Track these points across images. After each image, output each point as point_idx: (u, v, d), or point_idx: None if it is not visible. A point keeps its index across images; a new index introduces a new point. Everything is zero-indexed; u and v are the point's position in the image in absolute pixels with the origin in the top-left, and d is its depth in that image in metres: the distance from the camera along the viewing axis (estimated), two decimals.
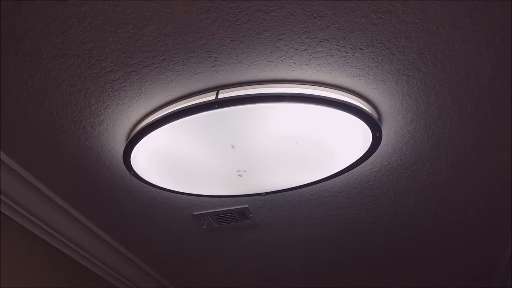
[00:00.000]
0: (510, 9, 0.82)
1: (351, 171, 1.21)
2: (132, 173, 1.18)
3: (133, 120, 1.09)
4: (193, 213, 1.48)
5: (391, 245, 1.68)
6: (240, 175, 1.15)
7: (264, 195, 1.28)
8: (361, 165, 1.20)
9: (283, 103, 0.95)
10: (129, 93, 1.01)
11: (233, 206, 1.44)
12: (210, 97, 0.99)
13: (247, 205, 1.43)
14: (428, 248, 1.69)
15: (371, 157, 1.16)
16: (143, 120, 1.08)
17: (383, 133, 1.12)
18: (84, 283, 1.63)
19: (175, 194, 1.35)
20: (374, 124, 1.01)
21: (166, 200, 1.41)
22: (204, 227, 1.54)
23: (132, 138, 1.05)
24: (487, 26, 0.85)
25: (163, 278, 2.00)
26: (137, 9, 0.82)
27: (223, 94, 0.98)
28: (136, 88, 1.00)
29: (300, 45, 0.89)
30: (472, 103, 1.03)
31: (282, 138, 1.04)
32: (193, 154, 1.10)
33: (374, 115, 1.03)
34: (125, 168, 1.19)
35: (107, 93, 1.01)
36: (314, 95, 0.95)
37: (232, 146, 1.05)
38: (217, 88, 0.99)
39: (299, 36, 0.87)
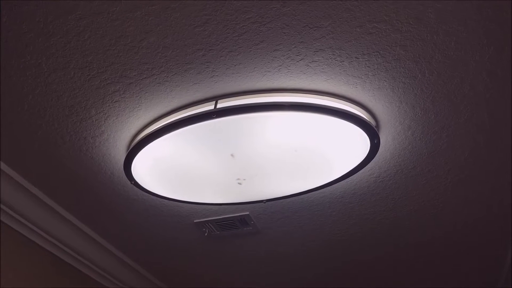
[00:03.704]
0: (504, 18, 0.83)
1: (350, 177, 1.22)
2: (133, 182, 1.19)
3: (133, 130, 1.10)
4: (195, 221, 1.49)
5: (391, 251, 1.69)
6: (240, 183, 1.16)
7: (265, 202, 1.29)
8: (360, 171, 1.21)
9: (282, 112, 0.96)
10: (129, 104, 1.02)
11: (234, 213, 1.45)
12: (209, 107, 1.00)
13: (247, 212, 1.44)
14: (429, 253, 1.69)
15: (369, 164, 1.17)
16: (143, 130, 1.09)
17: (381, 139, 1.13)
18: None
19: (176, 202, 1.36)
20: (372, 131, 1.02)
21: (168, 208, 1.42)
22: (206, 234, 1.54)
23: (133, 148, 1.07)
24: (481, 34, 0.86)
25: (165, 286, 2.00)
26: (136, 22, 0.83)
27: (221, 104, 0.99)
28: (136, 99, 1.01)
29: (297, 55, 0.90)
30: (468, 109, 1.04)
31: (280, 146, 1.05)
32: (193, 163, 1.10)
33: (372, 122, 1.04)
34: (126, 177, 1.20)
35: (107, 105, 1.02)
36: (313, 103, 0.97)
37: (232, 155, 1.06)
38: (215, 98, 1.00)
39: (295, 46, 0.88)
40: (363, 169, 1.18)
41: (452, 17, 0.83)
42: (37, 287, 1.40)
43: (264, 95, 0.99)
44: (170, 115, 1.04)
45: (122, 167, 1.19)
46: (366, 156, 1.10)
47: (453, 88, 0.99)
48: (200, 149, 1.06)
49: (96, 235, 1.56)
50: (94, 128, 1.09)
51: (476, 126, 1.09)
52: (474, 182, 1.29)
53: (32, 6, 0.80)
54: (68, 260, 1.54)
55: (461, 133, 1.11)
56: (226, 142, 1.03)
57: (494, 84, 0.97)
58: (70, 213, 1.44)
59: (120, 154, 1.17)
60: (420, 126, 1.09)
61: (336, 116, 0.97)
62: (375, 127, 1.04)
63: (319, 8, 0.81)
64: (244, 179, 1.14)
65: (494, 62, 0.92)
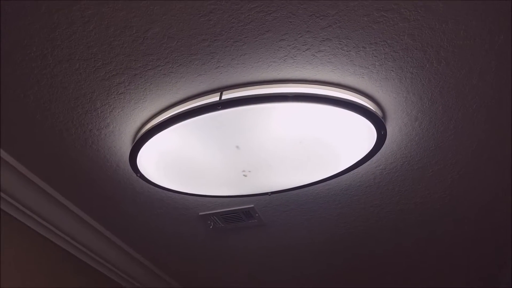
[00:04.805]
0: None
1: (356, 169, 1.21)
2: (138, 174, 1.19)
3: (138, 122, 1.10)
4: (200, 214, 1.49)
5: (396, 243, 1.68)
6: (245, 175, 1.16)
7: (270, 195, 1.29)
8: (366, 163, 1.20)
9: (286, 103, 0.95)
10: (134, 96, 1.02)
11: (239, 206, 1.45)
12: (214, 98, 0.99)
13: (252, 205, 1.44)
14: (434, 246, 1.69)
15: (376, 155, 1.16)
16: (148, 122, 1.09)
17: (388, 130, 1.12)
18: (91, 282, 1.64)
19: (181, 195, 1.36)
20: (379, 122, 1.01)
21: (173, 201, 1.42)
22: (211, 227, 1.55)
23: (138, 140, 1.06)
24: (491, 22, 0.85)
25: (170, 278, 2.01)
26: (141, 13, 0.83)
27: (226, 95, 0.98)
28: (141, 91, 1.01)
29: (303, 45, 0.89)
30: (476, 99, 1.03)
31: (286, 138, 1.04)
32: (198, 155, 1.10)
33: (379, 113, 1.03)
34: (131, 170, 1.21)
35: (113, 96, 1.02)
36: (318, 94, 0.96)
37: (237, 147, 1.06)
38: (220, 89, 1.00)
39: (301, 36, 0.87)
40: (369, 161, 1.17)
41: (461, 5, 0.81)
42: (41, 278, 1.42)
43: (270, 86, 0.98)
44: (175, 106, 1.04)
45: (128, 159, 1.19)
46: (373, 148, 1.09)
47: (461, 78, 0.98)
48: (205, 141, 1.05)
49: (100, 227, 1.57)
50: (99, 120, 1.09)
51: (484, 117, 1.08)
52: (481, 174, 1.28)
53: None
54: (71, 251, 1.55)
55: (469, 124, 1.10)
56: (232, 133, 1.03)
57: (504, 73, 0.96)
58: (75, 205, 1.45)
59: (126, 147, 1.17)
60: (427, 117, 1.08)
61: (342, 107, 0.96)
62: (382, 118, 1.03)
63: None
64: (250, 171, 1.14)
65: (504, 51, 0.91)
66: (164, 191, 1.34)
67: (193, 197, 1.38)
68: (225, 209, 1.46)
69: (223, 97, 0.98)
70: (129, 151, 1.13)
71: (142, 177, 1.20)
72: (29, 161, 1.24)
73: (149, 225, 1.57)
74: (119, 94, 1.02)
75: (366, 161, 1.15)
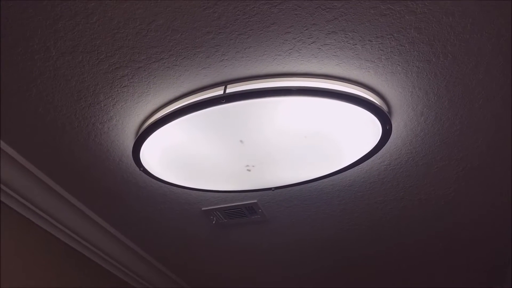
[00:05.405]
0: None
1: (360, 165, 1.20)
2: (141, 169, 1.19)
3: (141, 116, 1.09)
4: (202, 209, 1.48)
5: (400, 240, 1.67)
6: (249, 170, 1.15)
7: (273, 190, 1.28)
8: (371, 159, 1.19)
9: (291, 96, 0.94)
10: (137, 89, 1.01)
11: (242, 201, 1.44)
12: (218, 92, 0.98)
13: (255, 200, 1.44)
14: (438, 243, 1.68)
15: (380, 151, 1.15)
16: (152, 116, 1.08)
17: (393, 126, 1.11)
18: (92, 276, 1.65)
19: (184, 189, 1.35)
20: (384, 117, 1.00)
21: (176, 195, 1.42)
22: (213, 222, 1.54)
23: (141, 134, 1.06)
24: (498, 15, 0.83)
25: (172, 273, 2.01)
26: (145, 4, 0.82)
27: (231, 89, 0.98)
28: (145, 84, 1.00)
29: (308, 38, 0.88)
30: (483, 94, 1.02)
31: (290, 132, 1.03)
32: (202, 149, 1.10)
33: (384, 108, 1.02)
34: (134, 164, 1.20)
35: (116, 89, 1.02)
36: (322, 88, 0.95)
37: (241, 141, 1.05)
38: (225, 83, 0.99)
39: (307, 29, 0.86)
40: (373, 156, 1.16)
41: None
42: (42, 272, 1.42)
43: (274, 79, 0.97)
44: (179, 100, 1.03)
45: (131, 153, 1.18)
46: (378, 143, 1.08)
47: (468, 73, 0.96)
48: (209, 135, 1.05)
49: (102, 221, 1.57)
50: (102, 114, 1.08)
51: (490, 112, 1.07)
52: (487, 171, 1.27)
53: None
54: (73, 245, 1.55)
55: (474, 119, 1.09)
56: (236, 127, 1.02)
57: (510, 68, 0.95)
58: (76, 199, 1.44)
59: (129, 140, 1.17)
60: (433, 112, 1.07)
61: (347, 101, 0.95)
62: (387, 112, 1.02)
63: None
64: (253, 166, 1.13)
65: (510, 45, 0.89)
66: (167, 185, 1.34)
67: (196, 192, 1.38)
68: (228, 204, 1.46)
69: (228, 91, 0.97)
70: (132, 145, 1.12)
71: (145, 171, 1.20)
72: (31, 154, 1.24)
73: (151, 220, 1.57)
74: (123, 87, 1.01)
75: (370, 157, 1.14)
